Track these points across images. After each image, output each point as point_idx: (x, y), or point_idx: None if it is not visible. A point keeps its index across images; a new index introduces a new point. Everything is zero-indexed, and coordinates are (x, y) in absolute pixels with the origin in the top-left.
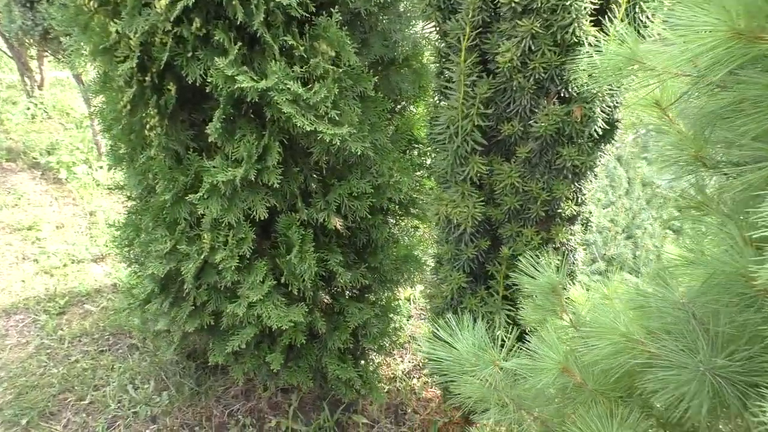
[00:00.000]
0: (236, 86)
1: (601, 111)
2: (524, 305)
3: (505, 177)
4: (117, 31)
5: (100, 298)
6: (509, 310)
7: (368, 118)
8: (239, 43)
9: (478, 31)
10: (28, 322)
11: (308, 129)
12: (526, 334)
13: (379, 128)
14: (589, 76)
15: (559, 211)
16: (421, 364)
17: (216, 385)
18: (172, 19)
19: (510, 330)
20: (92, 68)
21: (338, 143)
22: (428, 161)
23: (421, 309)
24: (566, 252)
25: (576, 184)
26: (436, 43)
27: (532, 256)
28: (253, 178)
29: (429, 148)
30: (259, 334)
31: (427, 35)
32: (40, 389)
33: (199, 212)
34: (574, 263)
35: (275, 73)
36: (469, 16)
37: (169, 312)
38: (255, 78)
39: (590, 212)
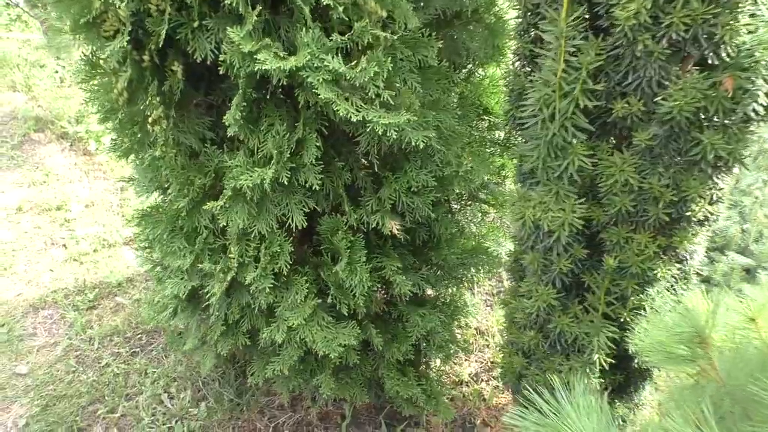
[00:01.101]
0: (257, 67)
1: (765, 81)
2: (638, 330)
3: (615, 171)
4: None
5: (132, 289)
6: (611, 331)
7: (429, 93)
8: (258, 7)
9: None
10: (56, 319)
11: (354, 119)
12: (629, 354)
13: (443, 107)
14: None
15: (688, 213)
16: (490, 365)
17: (258, 393)
18: None
19: (611, 355)
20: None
21: (394, 135)
22: (501, 134)
23: (487, 294)
24: (685, 257)
25: (714, 179)
26: None
27: (665, 288)
28: (286, 181)
29: (500, 120)
30: (303, 354)
31: None
32: (68, 400)
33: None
34: (691, 266)
35: (307, 46)
36: None
37: (198, 330)
38: (281, 54)
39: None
